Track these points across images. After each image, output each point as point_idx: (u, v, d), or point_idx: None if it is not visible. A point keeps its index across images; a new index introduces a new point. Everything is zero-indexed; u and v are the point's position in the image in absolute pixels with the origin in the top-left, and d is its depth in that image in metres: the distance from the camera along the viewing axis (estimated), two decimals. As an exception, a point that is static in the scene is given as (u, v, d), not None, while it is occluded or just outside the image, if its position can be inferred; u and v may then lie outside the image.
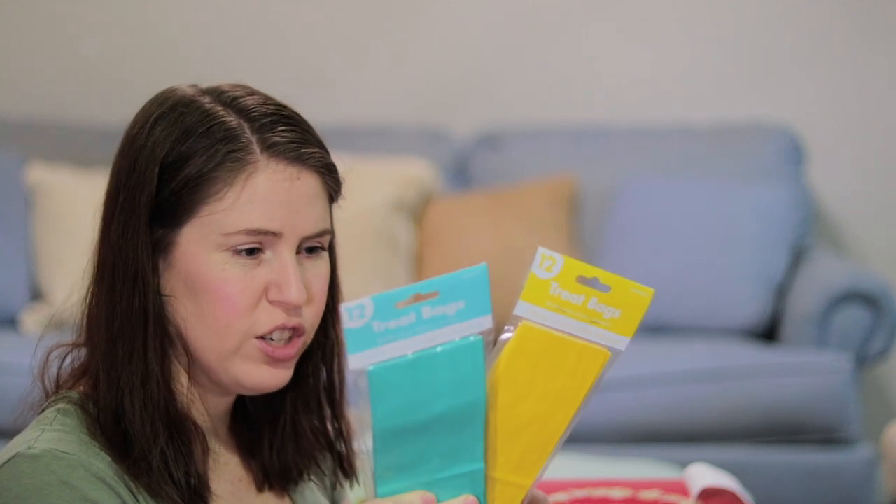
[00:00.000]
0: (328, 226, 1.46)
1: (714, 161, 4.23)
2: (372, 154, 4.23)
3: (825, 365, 3.68)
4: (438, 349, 1.26)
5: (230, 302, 1.41)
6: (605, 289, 1.32)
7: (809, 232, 4.21)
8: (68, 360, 1.48)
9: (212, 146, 1.41)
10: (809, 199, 4.22)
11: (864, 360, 3.81)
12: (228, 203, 1.40)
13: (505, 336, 1.32)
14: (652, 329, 3.96)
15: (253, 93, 1.46)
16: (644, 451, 3.49)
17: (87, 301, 1.45)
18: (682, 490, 2.09)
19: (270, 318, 1.42)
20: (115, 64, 4.54)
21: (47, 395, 1.47)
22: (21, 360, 1.53)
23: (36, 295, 4.08)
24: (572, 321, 1.32)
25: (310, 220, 1.43)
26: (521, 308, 1.32)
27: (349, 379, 1.46)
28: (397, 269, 4.06)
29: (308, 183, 1.43)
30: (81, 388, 1.45)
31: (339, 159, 1.48)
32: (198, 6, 4.58)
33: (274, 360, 1.43)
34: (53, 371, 1.48)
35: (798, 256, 4.11)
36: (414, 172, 4.16)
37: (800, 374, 3.66)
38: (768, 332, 4.03)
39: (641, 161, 4.25)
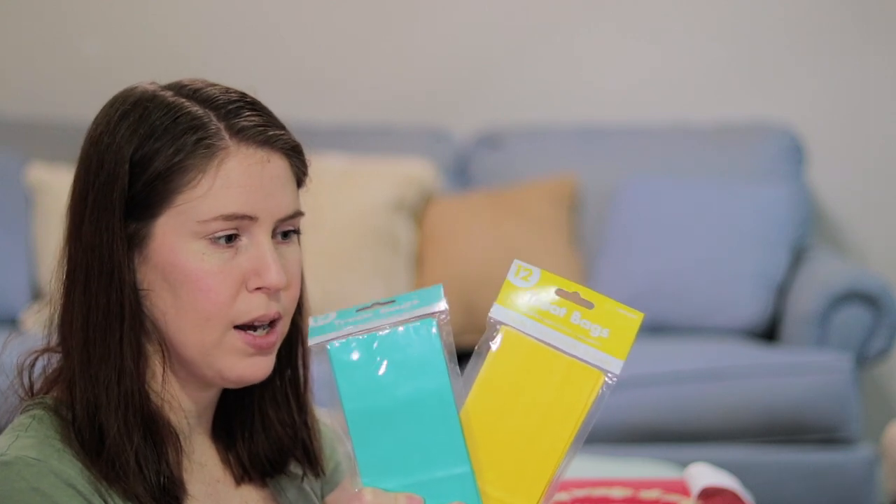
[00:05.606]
0: (300, 207, 1.47)
1: (714, 161, 4.23)
2: (372, 154, 4.23)
3: (825, 365, 3.67)
4: (394, 328, 1.32)
5: (211, 293, 1.41)
6: (588, 305, 1.28)
7: (809, 232, 4.21)
8: (38, 365, 1.48)
9: (180, 136, 1.41)
10: (809, 199, 4.22)
11: (864, 360, 3.81)
12: (203, 190, 1.41)
13: (486, 339, 1.30)
14: (652, 329, 3.96)
15: (213, 84, 1.47)
16: (644, 451, 3.49)
17: (61, 304, 1.46)
18: (682, 490, 2.09)
19: (250, 307, 1.42)
20: (115, 64, 4.54)
21: (22, 401, 1.47)
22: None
23: (36, 295, 4.08)
24: (556, 333, 1.28)
25: (283, 202, 1.44)
26: (498, 311, 1.29)
27: (313, 368, 1.50)
28: (397, 268, 4.06)
29: (278, 165, 1.44)
30: (55, 393, 1.45)
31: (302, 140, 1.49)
32: (198, 6, 4.58)
33: (258, 350, 1.44)
34: (25, 377, 1.48)
35: (798, 256, 4.11)
36: (414, 172, 4.16)
37: (800, 374, 3.65)
38: (768, 332, 4.03)
39: (641, 161, 4.24)
